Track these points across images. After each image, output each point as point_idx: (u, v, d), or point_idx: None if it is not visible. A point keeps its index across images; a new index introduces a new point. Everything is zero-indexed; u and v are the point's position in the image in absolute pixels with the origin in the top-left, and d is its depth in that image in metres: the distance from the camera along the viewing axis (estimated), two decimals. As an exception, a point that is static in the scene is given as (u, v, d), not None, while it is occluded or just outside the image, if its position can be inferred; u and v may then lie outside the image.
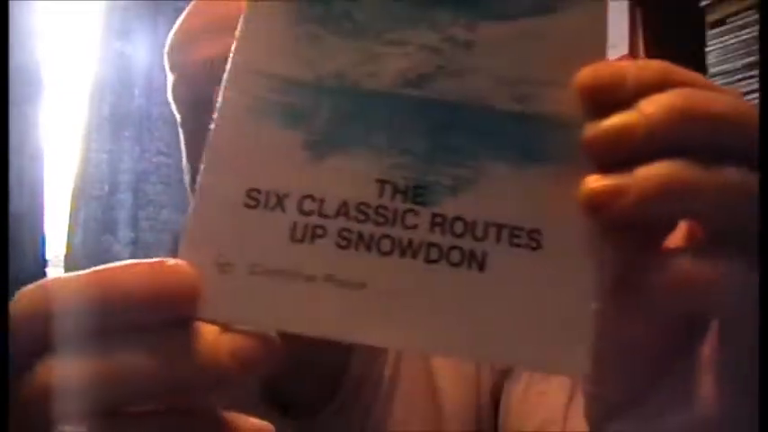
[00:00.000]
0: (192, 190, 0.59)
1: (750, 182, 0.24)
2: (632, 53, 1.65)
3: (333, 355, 0.57)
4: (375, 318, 0.23)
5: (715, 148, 0.24)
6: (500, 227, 0.24)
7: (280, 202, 0.24)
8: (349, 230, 0.24)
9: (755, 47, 1.37)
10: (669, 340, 0.27)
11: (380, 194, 0.24)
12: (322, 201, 0.24)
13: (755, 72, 1.38)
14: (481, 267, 0.24)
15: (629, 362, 0.28)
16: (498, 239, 0.24)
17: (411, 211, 0.24)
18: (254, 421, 0.26)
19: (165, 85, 0.62)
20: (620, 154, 0.24)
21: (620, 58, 1.68)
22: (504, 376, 0.61)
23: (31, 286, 0.25)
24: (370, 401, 0.60)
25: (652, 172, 0.23)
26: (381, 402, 0.60)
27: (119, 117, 1.94)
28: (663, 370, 0.27)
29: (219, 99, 0.26)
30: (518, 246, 0.24)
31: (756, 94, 1.37)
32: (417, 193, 0.24)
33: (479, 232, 0.24)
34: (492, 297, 0.24)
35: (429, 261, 0.24)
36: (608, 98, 0.24)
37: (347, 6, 0.26)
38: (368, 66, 0.26)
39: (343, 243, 0.24)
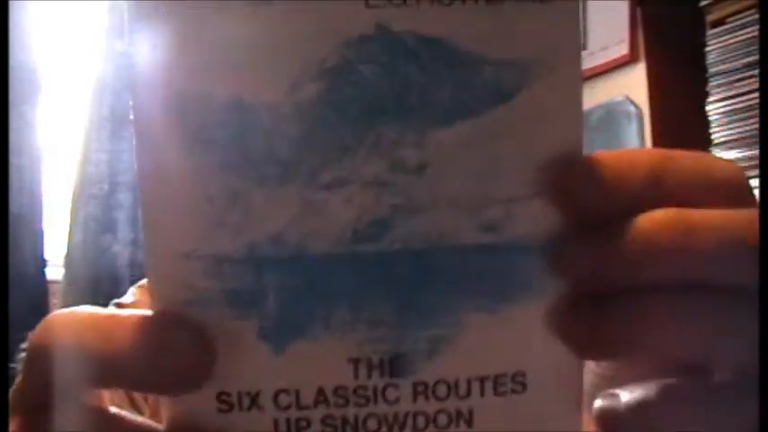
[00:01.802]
0: None
1: (740, 318, 0.21)
2: (632, 53, 1.65)
3: None
4: None
5: (706, 280, 0.21)
6: (483, 379, 0.22)
7: (254, 401, 0.22)
8: (332, 417, 0.22)
9: (755, 47, 1.37)
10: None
11: (356, 375, 0.22)
12: (297, 392, 0.22)
13: (755, 72, 1.38)
14: (469, 423, 0.22)
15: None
16: (482, 393, 0.22)
17: (390, 385, 0.22)
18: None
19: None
20: (594, 285, 0.21)
21: (621, 58, 1.68)
22: None
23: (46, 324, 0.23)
24: None
25: (629, 317, 0.21)
26: None
27: (119, 117, 1.94)
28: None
29: (151, 294, 0.21)
30: (503, 394, 0.22)
31: (756, 94, 1.37)
32: (394, 366, 0.22)
33: (463, 391, 0.22)
34: None
35: (417, 430, 0.22)
36: (587, 209, 0.21)
37: (265, 140, 0.20)
38: (307, 221, 0.21)
39: (329, 430, 0.22)
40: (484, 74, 0.20)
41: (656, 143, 1.60)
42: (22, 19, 1.77)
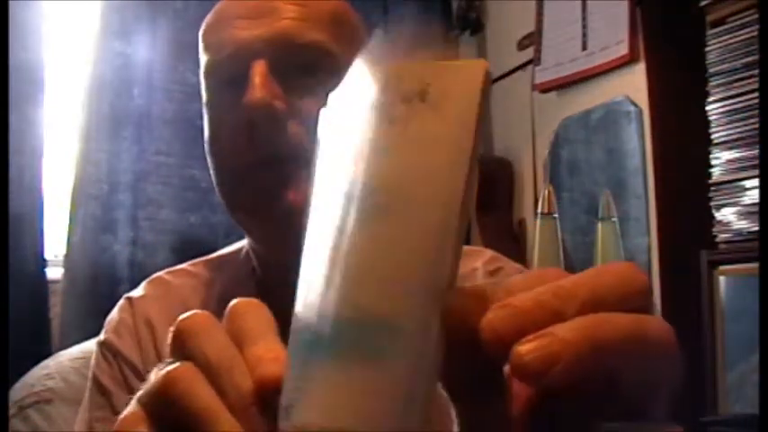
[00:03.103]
0: (214, 176, 0.65)
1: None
2: (632, 53, 1.65)
3: None
4: None
5: None
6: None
7: None
8: None
9: (755, 47, 1.37)
10: None
11: None
12: None
13: (755, 72, 1.38)
14: None
15: None
16: None
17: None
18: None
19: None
20: None
21: (621, 58, 1.68)
22: None
23: None
24: None
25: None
26: None
27: (118, 116, 1.94)
28: None
29: None
30: None
31: (756, 94, 1.37)
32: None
33: None
34: None
35: None
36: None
37: None
38: None
39: None
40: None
41: (655, 143, 1.60)
42: (23, 18, 1.77)
